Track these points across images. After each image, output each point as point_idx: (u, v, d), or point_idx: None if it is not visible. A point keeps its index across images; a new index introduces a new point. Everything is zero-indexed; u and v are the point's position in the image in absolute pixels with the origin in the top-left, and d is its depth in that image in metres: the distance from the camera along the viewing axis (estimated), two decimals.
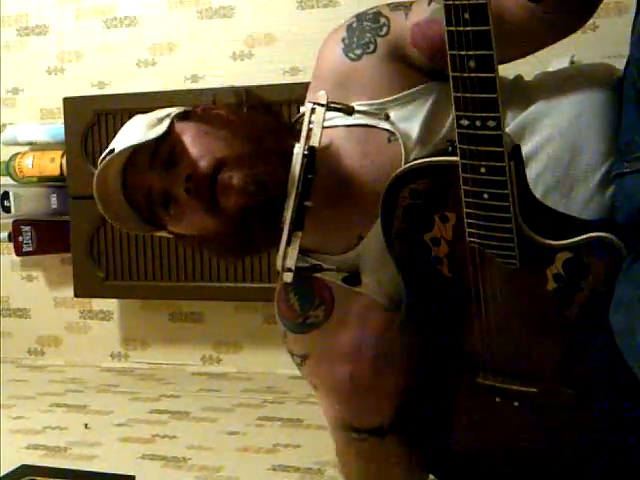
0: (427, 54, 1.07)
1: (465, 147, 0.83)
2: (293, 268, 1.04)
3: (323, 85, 1.11)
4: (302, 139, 1.02)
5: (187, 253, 2.46)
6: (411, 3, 1.10)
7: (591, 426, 1.02)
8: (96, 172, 1.06)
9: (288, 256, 1.03)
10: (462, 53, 0.77)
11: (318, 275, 1.13)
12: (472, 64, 0.77)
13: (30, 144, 2.73)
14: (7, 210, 2.62)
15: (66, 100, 2.55)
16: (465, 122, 0.81)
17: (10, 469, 1.77)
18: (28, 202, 2.66)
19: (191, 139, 1.05)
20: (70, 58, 2.75)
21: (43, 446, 1.97)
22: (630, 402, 0.97)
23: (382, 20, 1.10)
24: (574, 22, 1.06)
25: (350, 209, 1.08)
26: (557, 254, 0.90)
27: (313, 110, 1.04)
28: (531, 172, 0.99)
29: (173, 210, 1.06)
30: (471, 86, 0.78)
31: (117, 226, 1.13)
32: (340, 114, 1.08)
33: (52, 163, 2.62)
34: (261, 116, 1.10)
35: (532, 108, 1.06)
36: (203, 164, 1.02)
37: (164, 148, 1.04)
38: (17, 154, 2.70)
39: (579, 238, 0.89)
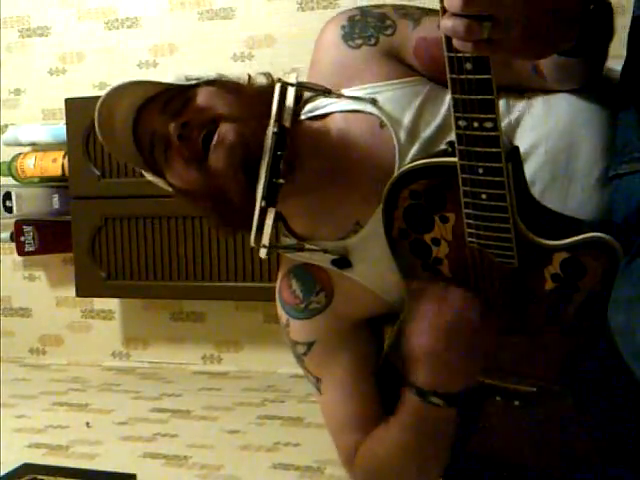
0: (426, 68, 1.09)
1: (463, 148, 0.84)
2: (267, 244, 1.05)
3: (319, 70, 1.14)
4: (272, 117, 1.04)
5: (188, 253, 2.47)
6: (420, 17, 1.11)
7: (590, 426, 1.03)
8: (103, 95, 1.08)
9: (263, 232, 1.04)
10: (459, 55, 0.77)
11: (306, 259, 1.14)
12: (469, 66, 0.77)
13: (32, 145, 2.74)
14: (9, 210, 2.62)
15: (68, 101, 2.57)
16: (463, 123, 0.81)
17: (12, 468, 1.78)
18: (30, 202, 2.67)
19: (201, 96, 1.08)
20: (72, 59, 2.77)
21: (45, 445, 1.99)
22: (629, 402, 0.97)
23: (388, 22, 1.12)
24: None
25: (344, 194, 1.09)
26: (554, 254, 0.90)
27: (284, 90, 1.07)
28: (529, 168, 1.00)
29: (167, 156, 1.08)
30: (468, 88, 0.79)
31: (113, 153, 1.14)
32: (333, 100, 1.11)
33: (54, 163, 2.63)
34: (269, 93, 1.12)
35: (529, 101, 1.07)
36: (200, 115, 1.06)
37: (178, 99, 1.08)
38: (19, 154, 2.72)
39: (575, 238, 0.88)
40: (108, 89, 1.08)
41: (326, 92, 1.10)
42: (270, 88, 1.13)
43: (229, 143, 1.03)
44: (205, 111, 1.06)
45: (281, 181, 1.02)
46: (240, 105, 1.07)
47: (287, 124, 1.04)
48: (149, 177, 1.16)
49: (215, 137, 1.03)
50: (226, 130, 1.04)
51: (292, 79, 1.08)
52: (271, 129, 1.02)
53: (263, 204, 1.03)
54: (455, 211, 0.92)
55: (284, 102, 1.06)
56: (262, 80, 1.15)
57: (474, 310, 0.98)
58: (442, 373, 1.01)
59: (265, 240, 1.05)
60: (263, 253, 1.06)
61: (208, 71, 1.21)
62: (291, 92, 1.07)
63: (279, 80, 1.09)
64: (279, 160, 1.02)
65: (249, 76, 1.16)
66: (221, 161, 1.04)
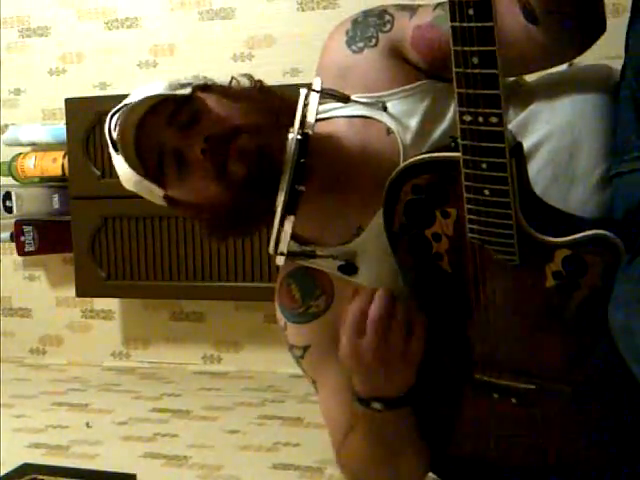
0: (425, 57, 1.09)
1: (467, 143, 0.84)
2: (285, 251, 1.04)
3: (325, 76, 1.13)
4: (296, 123, 1.03)
5: (188, 253, 2.47)
6: (418, 7, 1.11)
7: (589, 424, 1.03)
8: (120, 121, 1.06)
9: (281, 239, 1.04)
10: (466, 49, 0.78)
11: (315, 265, 1.14)
12: (475, 60, 0.78)
13: (32, 145, 2.74)
14: (9, 210, 2.63)
15: (68, 101, 2.57)
16: (468, 118, 0.82)
17: (12, 468, 1.77)
18: (30, 202, 2.67)
19: (214, 105, 1.07)
20: (72, 59, 2.76)
21: (45, 445, 1.98)
22: (628, 400, 0.98)
23: (387, 17, 1.12)
24: (572, 51, 1.06)
25: (349, 199, 1.09)
26: (556, 251, 0.90)
27: (307, 96, 1.06)
28: (532, 167, 0.99)
29: (182, 171, 1.07)
30: (474, 82, 0.79)
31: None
32: (340, 104, 1.11)
33: (54, 163, 2.64)
34: (273, 97, 1.13)
35: (532, 107, 1.07)
36: (222, 127, 1.05)
37: (186, 109, 1.06)
38: (19, 154, 2.72)
39: (577, 235, 0.89)
40: (120, 115, 1.06)
41: (345, 99, 1.09)
42: (267, 93, 1.14)
43: (250, 155, 1.03)
44: (223, 123, 1.05)
45: (302, 188, 1.02)
46: (255, 114, 1.07)
47: (310, 131, 1.03)
48: (143, 194, 1.15)
49: (235, 149, 1.03)
50: (246, 142, 1.03)
51: (316, 85, 1.07)
52: (295, 135, 1.02)
53: (283, 212, 1.02)
54: (457, 206, 0.92)
55: (307, 108, 1.05)
56: (245, 82, 1.15)
57: (379, 307, 0.99)
58: (371, 379, 1.03)
59: (283, 248, 1.04)
60: (281, 260, 1.05)
61: (206, 71, 1.21)
62: (314, 98, 1.06)
63: (306, 86, 1.07)
64: (301, 167, 1.01)
65: (232, 78, 1.16)
66: (241, 173, 1.03)
